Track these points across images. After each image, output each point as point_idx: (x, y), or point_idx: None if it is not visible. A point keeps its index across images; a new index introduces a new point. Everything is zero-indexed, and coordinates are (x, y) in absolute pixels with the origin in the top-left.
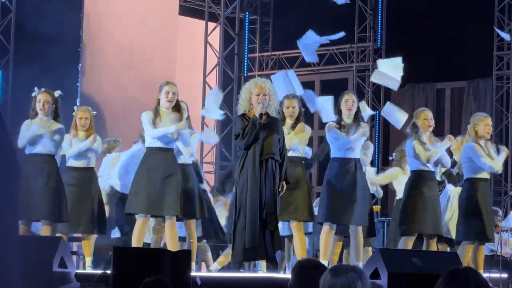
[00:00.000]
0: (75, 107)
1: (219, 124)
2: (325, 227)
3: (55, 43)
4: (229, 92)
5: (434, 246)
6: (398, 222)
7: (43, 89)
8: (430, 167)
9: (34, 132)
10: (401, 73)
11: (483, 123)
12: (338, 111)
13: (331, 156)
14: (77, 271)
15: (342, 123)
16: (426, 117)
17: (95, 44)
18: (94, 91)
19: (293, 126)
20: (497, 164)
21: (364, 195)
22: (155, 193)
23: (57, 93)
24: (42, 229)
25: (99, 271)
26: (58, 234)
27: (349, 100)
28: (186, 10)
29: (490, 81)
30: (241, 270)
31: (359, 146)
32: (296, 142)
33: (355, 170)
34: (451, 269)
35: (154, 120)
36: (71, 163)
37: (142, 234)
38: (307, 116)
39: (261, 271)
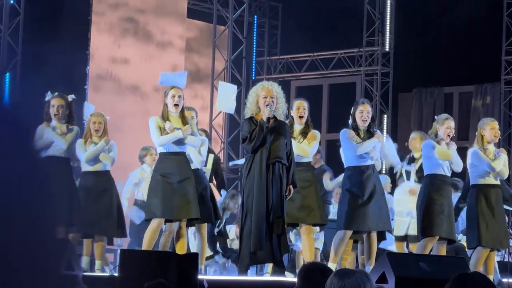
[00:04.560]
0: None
1: (227, 128)
2: (341, 232)
3: (63, 46)
4: (237, 96)
5: (443, 250)
6: (420, 226)
7: (56, 93)
8: (446, 170)
9: (48, 139)
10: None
11: (489, 127)
12: (353, 118)
13: (347, 165)
14: (84, 273)
15: (358, 130)
16: (449, 126)
17: (103, 46)
18: (102, 96)
19: (303, 132)
20: (496, 164)
21: (383, 200)
22: (173, 198)
23: (70, 97)
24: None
25: (106, 274)
26: (71, 235)
27: (364, 111)
28: (194, 13)
29: (498, 85)
30: (247, 274)
31: (376, 152)
32: (311, 150)
33: (373, 176)
34: (459, 273)
35: (162, 125)
36: (86, 168)
37: (155, 236)
38: (314, 120)
39: (268, 274)
